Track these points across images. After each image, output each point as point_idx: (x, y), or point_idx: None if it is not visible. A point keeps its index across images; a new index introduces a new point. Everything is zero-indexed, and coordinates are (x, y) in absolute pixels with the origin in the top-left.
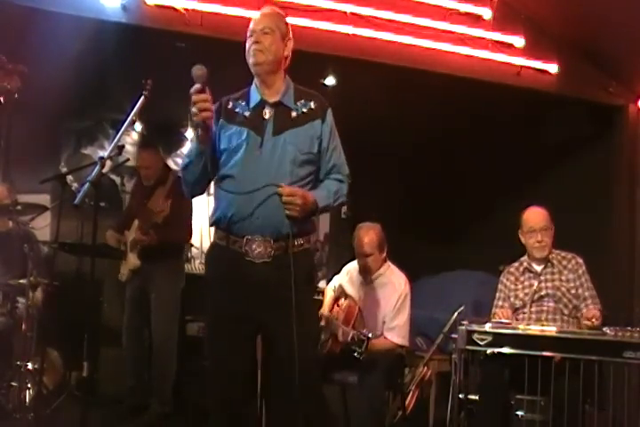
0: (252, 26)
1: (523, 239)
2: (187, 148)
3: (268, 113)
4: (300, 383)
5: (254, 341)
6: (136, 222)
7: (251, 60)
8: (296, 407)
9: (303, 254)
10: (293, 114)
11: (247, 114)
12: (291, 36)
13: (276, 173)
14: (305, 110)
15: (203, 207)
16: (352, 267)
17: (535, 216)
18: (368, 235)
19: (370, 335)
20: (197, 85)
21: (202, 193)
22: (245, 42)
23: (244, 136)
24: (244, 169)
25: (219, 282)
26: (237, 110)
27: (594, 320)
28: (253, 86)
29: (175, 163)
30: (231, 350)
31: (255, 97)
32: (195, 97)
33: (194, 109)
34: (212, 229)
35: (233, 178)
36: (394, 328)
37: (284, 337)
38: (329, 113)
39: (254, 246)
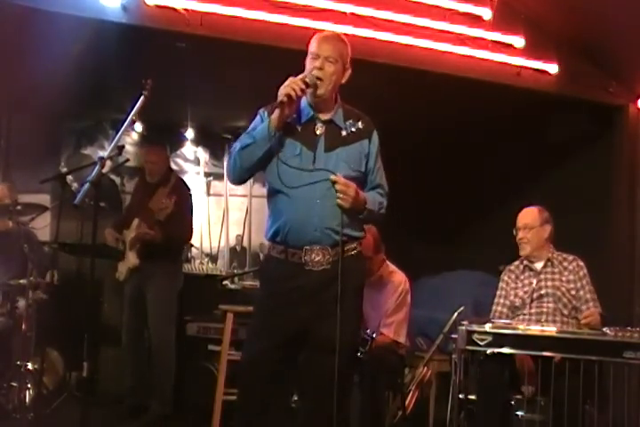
0: (315, 48)
1: None
2: (186, 148)
3: (319, 129)
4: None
5: (297, 342)
6: (136, 221)
7: (311, 90)
8: (327, 410)
9: (357, 257)
10: (343, 133)
11: (298, 128)
12: (349, 65)
13: (327, 189)
14: (354, 130)
15: (203, 207)
16: None
17: (521, 215)
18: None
19: (373, 335)
20: (305, 78)
21: (245, 182)
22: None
23: (298, 151)
24: (298, 184)
25: (276, 289)
26: (288, 121)
27: (590, 319)
28: (305, 101)
29: (175, 163)
30: (275, 350)
31: (307, 112)
32: (291, 79)
33: (285, 90)
34: (269, 243)
35: (286, 193)
36: (391, 324)
37: (332, 340)
38: (375, 134)
39: (313, 255)
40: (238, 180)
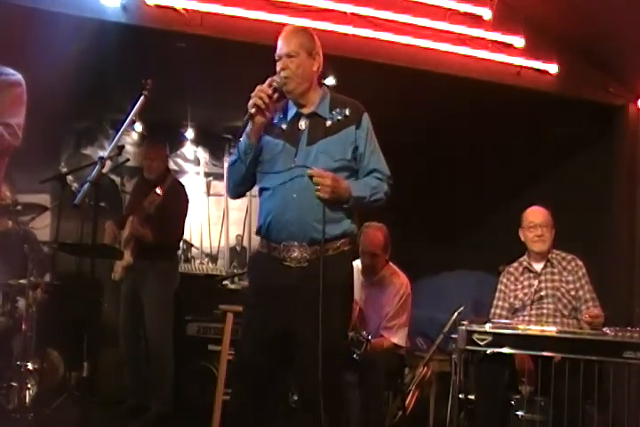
0: (278, 50)
1: (522, 236)
2: (186, 148)
3: (303, 124)
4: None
5: (285, 342)
6: (130, 219)
7: (283, 88)
8: (317, 408)
9: (340, 257)
10: (328, 123)
11: (284, 126)
12: (318, 49)
13: (306, 184)
14: (340, 118)
15: (203, 207)
16: (354, 267)
17: (536, 212)
18: (376, 234)
19: (369, 337)
20: (272, 82)
21: (243, 195)
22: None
23: (280, 148)
24: (277, 182)
25: (258, 286)
26: (275, 122)
27: (595, 319)
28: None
29: (175, 163)
30: (260, 350)
31: (292, 109)
32: (258, 87)
33: (252, 100)
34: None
35: (268, 189)
36: (392, 327)
37: (311, 340)
38: (364, 118)
39: (290, 252)
40: (234, 194)
